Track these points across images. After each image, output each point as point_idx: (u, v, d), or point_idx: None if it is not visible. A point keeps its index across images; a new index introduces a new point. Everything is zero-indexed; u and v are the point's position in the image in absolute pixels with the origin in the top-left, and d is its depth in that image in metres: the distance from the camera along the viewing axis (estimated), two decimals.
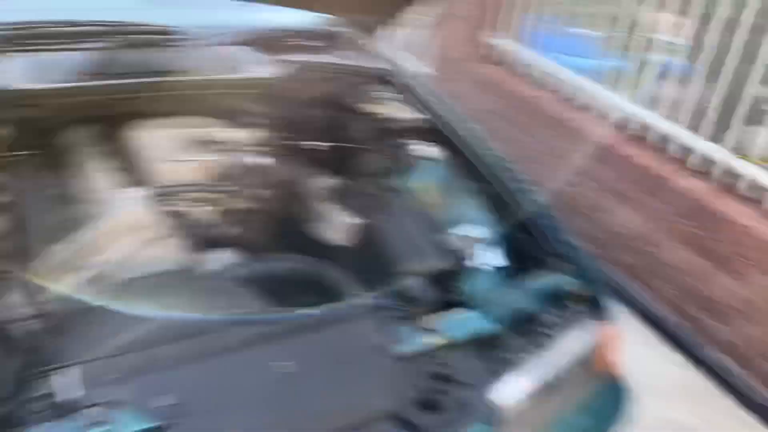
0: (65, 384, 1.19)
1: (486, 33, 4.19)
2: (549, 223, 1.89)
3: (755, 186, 2.84)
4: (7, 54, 1.85)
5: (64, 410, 1.15)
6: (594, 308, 1.76)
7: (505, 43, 4.12)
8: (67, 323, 1.45)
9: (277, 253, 1.87)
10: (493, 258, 1.86)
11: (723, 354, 2.84)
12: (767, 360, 2.69)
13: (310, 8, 2.43)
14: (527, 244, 1.88)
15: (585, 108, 3.62)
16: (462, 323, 1.56)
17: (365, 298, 1.56)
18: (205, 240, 1.79)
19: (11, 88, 1.71)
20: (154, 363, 1.27)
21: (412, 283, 1.55)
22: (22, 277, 1.52)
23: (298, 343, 1.40)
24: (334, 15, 2.53)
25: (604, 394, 1.79)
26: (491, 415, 1.41)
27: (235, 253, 1.84)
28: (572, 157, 3.48)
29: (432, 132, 2.18)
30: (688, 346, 2.96)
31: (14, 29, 1.86)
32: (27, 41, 1.89)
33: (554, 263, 1.80)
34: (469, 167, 2.05)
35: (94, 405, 1.16)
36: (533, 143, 3.76)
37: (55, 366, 1.23)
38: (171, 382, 1.25)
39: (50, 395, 1.17)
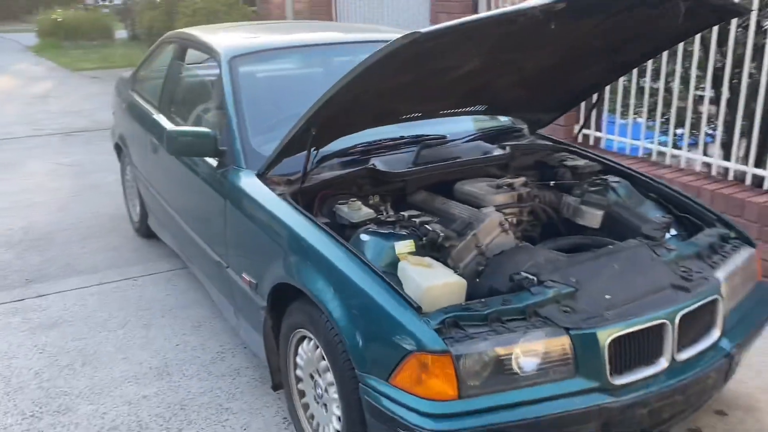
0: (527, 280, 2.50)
1: (578, 126, 5.72)
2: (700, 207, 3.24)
3: None
4: (375, 154, 3.33)
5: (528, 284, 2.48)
6: (744, 241, 3.06)
7: (592, 132, 5.64)
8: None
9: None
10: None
11: None
12: None
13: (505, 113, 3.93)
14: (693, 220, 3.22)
15: None
16: (685, 246, 2.88)
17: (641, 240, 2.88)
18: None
19: (384, 171, 3.18)
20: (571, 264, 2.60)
21: (655, 231, 2.89)
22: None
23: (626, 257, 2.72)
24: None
25: (759, 291, 3.05)
26: (717, 283, 2.69)
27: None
28: None
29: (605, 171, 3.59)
30: None
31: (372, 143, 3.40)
32: (380, 150, 3.39)
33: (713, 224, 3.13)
34: (639, 186, 3.45)
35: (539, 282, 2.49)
36: None
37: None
38: (577, 271, 2.55)
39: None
